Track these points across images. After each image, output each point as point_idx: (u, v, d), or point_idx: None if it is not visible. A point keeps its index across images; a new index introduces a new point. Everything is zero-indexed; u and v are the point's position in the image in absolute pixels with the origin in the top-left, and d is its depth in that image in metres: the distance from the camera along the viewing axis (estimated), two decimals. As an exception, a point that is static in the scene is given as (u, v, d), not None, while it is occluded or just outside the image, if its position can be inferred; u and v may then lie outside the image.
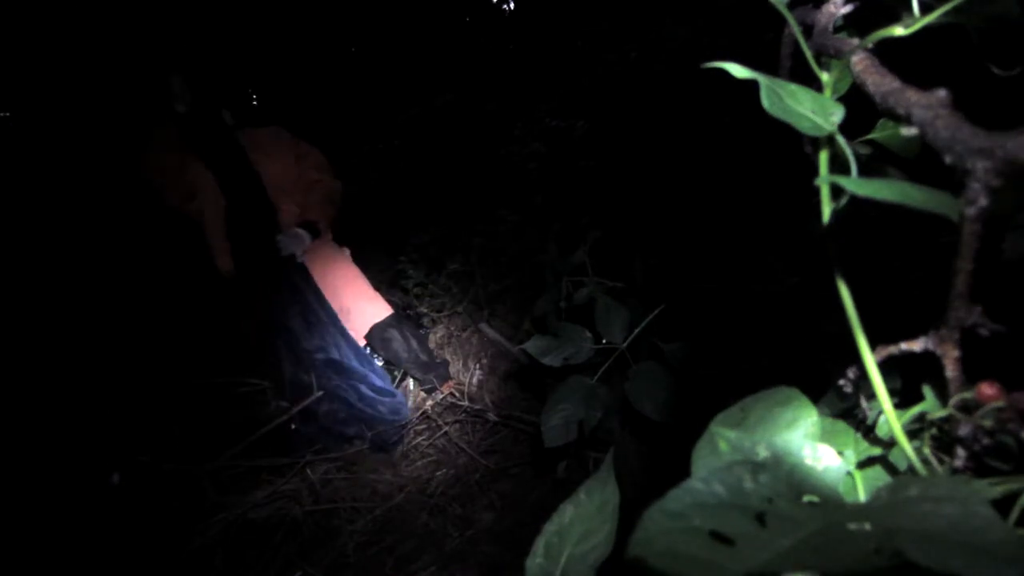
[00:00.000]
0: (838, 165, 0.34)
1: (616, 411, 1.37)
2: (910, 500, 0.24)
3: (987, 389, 0.29)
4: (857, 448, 0.37)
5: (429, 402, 2.30)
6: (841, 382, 0.36)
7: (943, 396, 0.33)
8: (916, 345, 0.31)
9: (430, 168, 3.33)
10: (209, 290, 2.39)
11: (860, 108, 0.35)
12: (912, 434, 0.33)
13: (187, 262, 2.48)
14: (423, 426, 2.24)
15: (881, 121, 0.43)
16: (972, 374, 0.30)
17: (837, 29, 0.39)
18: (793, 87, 0.33)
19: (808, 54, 0.36)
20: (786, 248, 1.31)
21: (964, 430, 0.29)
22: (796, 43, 0.37)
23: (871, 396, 0.34)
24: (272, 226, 2.16)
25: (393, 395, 2.25)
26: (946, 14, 0.31)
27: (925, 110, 0.26)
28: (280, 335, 2.19)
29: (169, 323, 2.89)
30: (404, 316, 2.59)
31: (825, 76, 0.36)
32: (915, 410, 0.34)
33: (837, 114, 0.32)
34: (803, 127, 0.32)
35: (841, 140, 0.32)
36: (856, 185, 0.25)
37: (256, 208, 2.14)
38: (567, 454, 1.76)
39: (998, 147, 0.23)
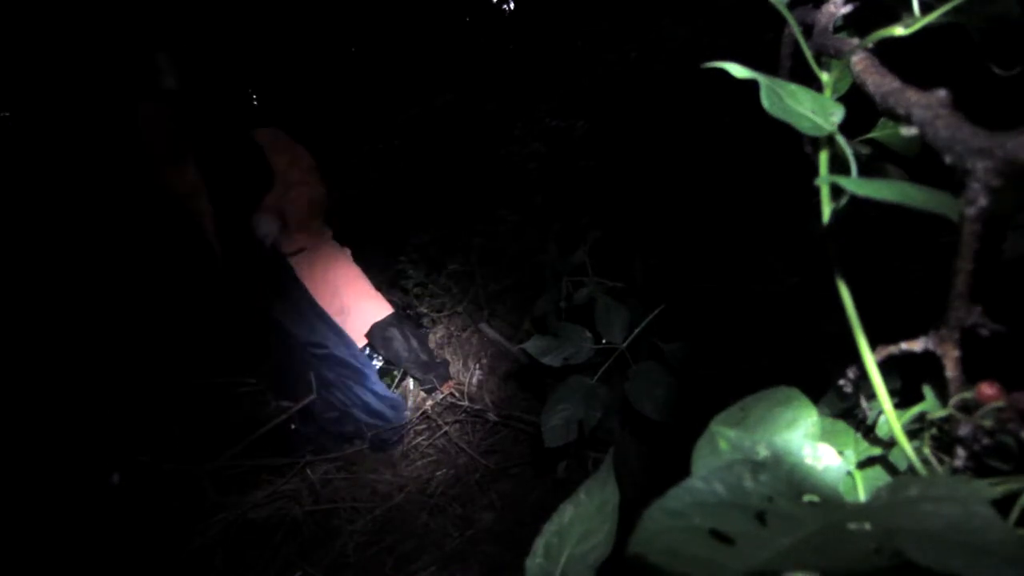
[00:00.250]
0: (838, 165, 0.34)
1: (616, 411, 1.37)
2: (910, 500, 0.24)
3: (987, 389, 0.29)
4: (857, 448, 0.37)
5: (429, 402, 2.30)
6: (841, 382, 0.36)
7: (943, 396, 0.33)
8: (916, 345, 0.31)
9: (430, 168, 3.33)
10: (204, 284, 2.39)
11: (860, 108, 0.35)
12: (912, 434, 0.33)
13: (182, 255, 2.48)
14: (423, 426, 2.24)
15: (881, 121, 0.43)
16: (972, 374, 0.30)
17: (837, 29, 0.39)
18: (793, 87, 0.33)
19: (808, 54, 0.36)
20: (786, 248, 1.31)
21: (964, 430, 0.29)
22: (796, 43, 0.37)
23: (871, 396, 0.34)
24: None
25: (392, 398, 2.26)
26: (946, 14, 0.31)
27: (925, 110, 0.26)
28: (272, 330, 2.18)
29: (168, 323, 2.89)
30: (404, 316, 2.59)
31: (825, 76, 0.36)
32: (915, 410, 0.34)
33: (837, 114, 0.32)
34: (803, 127, 0.32)
35: (841, 140, 0.32)
36: (856, 185, 0.25)
37: (247, 198, 2.13)
38: (567, 454, 1.76)
39: (998, 147, 0.23)
